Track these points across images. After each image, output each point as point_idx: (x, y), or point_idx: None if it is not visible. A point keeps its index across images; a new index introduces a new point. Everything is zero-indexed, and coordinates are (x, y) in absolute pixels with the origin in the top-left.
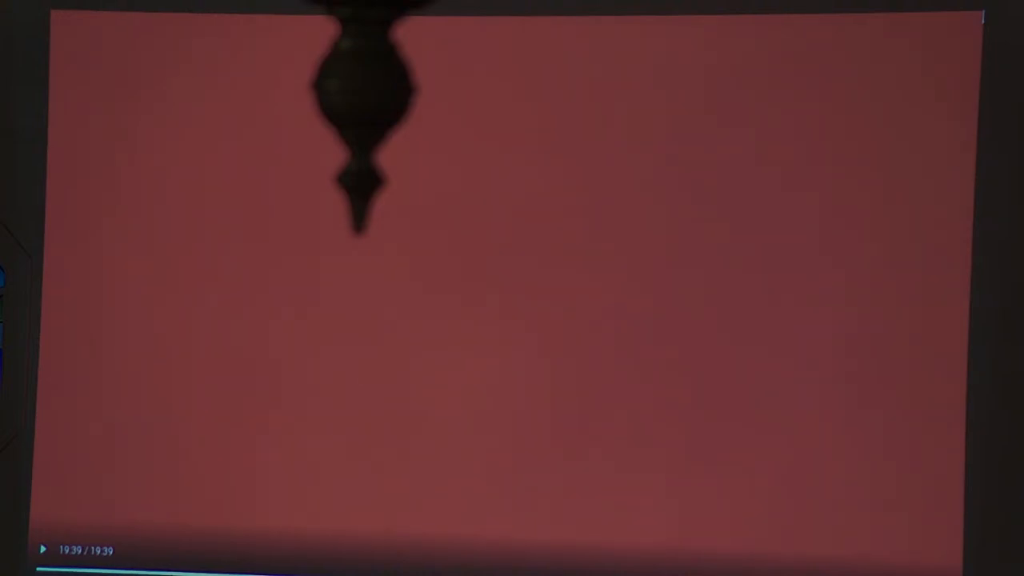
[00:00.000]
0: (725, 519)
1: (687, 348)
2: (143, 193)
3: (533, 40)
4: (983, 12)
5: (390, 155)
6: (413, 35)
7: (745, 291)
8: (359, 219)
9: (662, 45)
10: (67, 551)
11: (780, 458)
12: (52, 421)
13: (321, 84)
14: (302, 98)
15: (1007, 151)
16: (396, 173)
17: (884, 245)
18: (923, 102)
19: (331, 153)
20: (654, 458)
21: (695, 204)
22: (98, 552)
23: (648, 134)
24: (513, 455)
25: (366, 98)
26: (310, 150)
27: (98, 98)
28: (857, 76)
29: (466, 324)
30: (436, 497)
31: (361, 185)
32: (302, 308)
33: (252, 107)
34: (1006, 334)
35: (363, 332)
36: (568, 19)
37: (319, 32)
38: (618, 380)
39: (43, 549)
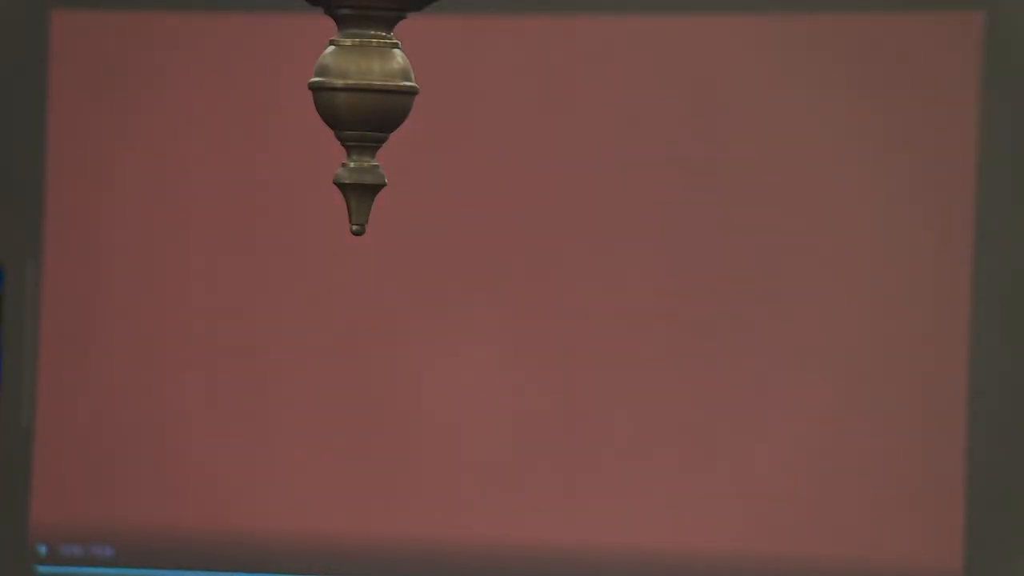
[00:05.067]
0: (725, 519)
1: (687, 348)
2: (143, 193)
3: (533, 40)
4: (983, 12)
5: (390, 155)
6: (413, 35)
7: (745, 291)
8: (358, 220)
9: (662, 45)
10: (67, 551)
11: (780, 458)
12: (52, 421)
13: (320, 84)
14: (302, 98)
15: (1007, 151)
16: (396, 173)
17: (884, 245)
18: (923, 102)
19: (331, 153)
20: (653, 458)
21: (695, 204)
22: (98, 552)
23: (648, 134)
24: (513, 455)
25: (366, 98)
26: (309, 150)
27: (98, 98)
28: (857, 76)
29: (466, 325)
30: (436, 497)
31: (360, 185)
32: (301, 309)
33: (252, 107)
34: (1006, 334)
35: (363, 333)
36: (568, 19)
37: (319, 32)
38: (619, 380)
39: (43, 549)
